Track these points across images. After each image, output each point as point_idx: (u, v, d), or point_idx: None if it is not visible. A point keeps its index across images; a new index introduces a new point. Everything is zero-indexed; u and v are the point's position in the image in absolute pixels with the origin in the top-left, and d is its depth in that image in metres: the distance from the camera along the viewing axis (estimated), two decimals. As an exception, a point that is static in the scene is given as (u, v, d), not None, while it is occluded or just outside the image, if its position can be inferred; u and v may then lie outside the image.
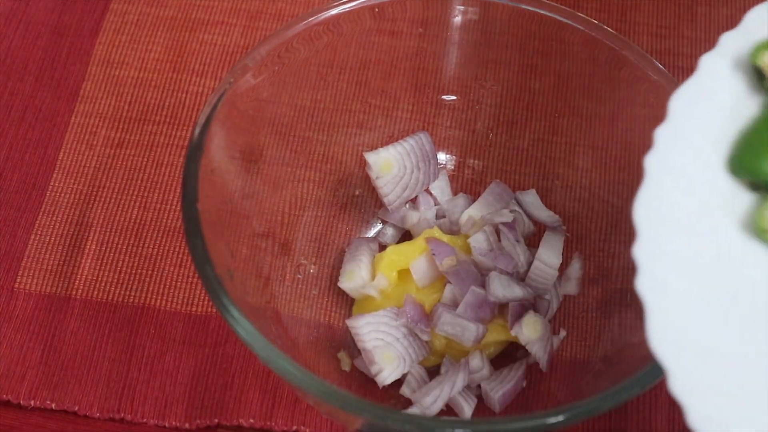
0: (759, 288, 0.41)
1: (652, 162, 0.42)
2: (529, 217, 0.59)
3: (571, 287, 0.58)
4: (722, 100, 0.44)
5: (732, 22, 0.69)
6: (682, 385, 0.38)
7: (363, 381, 0.55)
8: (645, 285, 0.40)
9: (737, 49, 0.44)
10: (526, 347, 0.54)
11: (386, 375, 0.54)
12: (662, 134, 0.43)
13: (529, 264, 0.57)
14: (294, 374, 0.46)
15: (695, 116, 0.43)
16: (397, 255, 0.57)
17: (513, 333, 0.54)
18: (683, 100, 0.43)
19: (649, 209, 0.41)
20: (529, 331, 0.54)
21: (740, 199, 0.43)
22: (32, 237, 0.61)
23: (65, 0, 0.71)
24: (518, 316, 0.55)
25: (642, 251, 0.40)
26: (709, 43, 0.68)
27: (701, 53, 0.67)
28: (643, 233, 0.41)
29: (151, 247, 0.61)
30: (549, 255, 0.57)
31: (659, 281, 0.40)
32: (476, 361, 0.55)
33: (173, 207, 0.62)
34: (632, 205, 0.41)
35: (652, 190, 0.42)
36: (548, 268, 0.57)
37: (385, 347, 0.54)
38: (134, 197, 0.63)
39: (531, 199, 0.60)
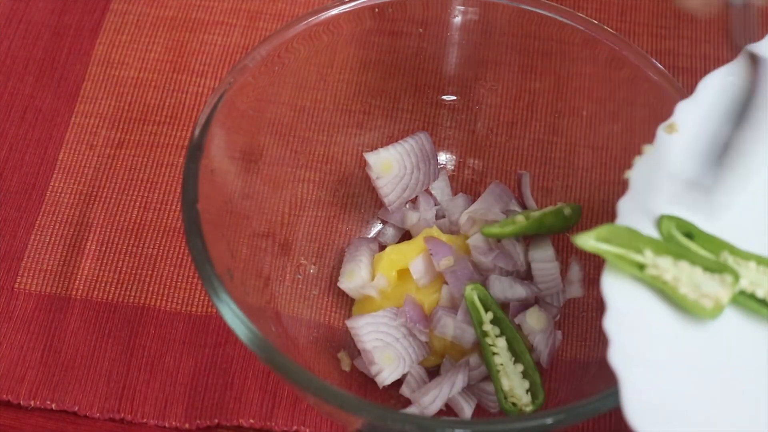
0: (728, 353, 0.42)
1: None
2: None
3: (575, 290, 0.58)
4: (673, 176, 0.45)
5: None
6: None
7: (363, 381, 0.55)
8: (617, 357, 0.40)
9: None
10: (528, 337, 0.54)
11: (386, 375, 0.54)
12: (624, 206, 0.44)
13: (529, 264, 0.57)
14: (294, 374, 0.46)
15: (653, 187, 0.45)
16: (396, 255, 0.57)
17: (516, 322, 0.54)
18: (642, 172, 0.45)
19: (616, 281, 0.42)
20: (533, 321, 0.54)
21: None
22: (32, 237, 0.61)
23: (65, 0, 0.71)
24: (518, 314, 0.55)
25: (612, 323, 0.41)
26: (709, 43, 0.68)
27: (701, 53, 0.68)
28: (612, 305, 0.41)
29: (151, 247, 0.61)
30: (539, 252, 0.57)
31: (631, 352, 0.40)
32: (476, 360, 0.54)
33: (173, 207, 0.62)
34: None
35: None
36: (546, 264, 0.57)
37: (384, 347, 0.54)
38: (134, 197, 0.63)
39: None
